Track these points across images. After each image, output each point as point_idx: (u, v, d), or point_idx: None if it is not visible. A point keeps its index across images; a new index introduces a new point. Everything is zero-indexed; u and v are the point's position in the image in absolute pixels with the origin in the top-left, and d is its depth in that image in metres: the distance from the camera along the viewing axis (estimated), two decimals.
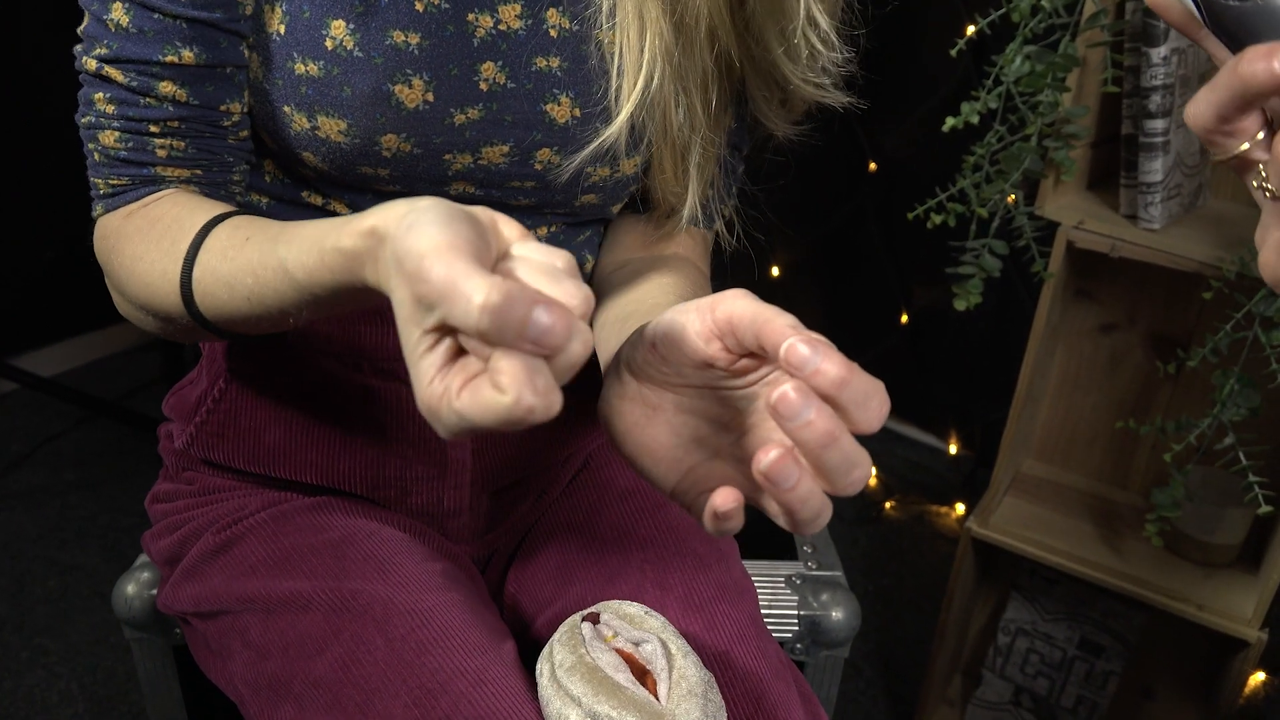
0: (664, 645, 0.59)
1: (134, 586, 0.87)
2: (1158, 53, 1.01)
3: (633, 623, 0.62)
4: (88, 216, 0.64)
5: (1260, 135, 0.39)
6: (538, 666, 0.60)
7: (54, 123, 1.46)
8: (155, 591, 0.86)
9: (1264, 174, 0.39)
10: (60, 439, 1.99)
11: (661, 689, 0.57)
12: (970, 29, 1.70)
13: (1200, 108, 0.39)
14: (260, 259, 0.52)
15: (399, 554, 0.68)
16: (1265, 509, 1.01)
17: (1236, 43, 0.38)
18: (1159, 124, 1.04)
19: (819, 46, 0.64)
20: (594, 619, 0.62)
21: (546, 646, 0.60)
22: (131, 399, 2.07)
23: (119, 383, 2.12)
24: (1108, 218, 1.11)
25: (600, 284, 0.75)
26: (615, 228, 0.79)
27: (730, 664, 0.65)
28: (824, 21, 0.64)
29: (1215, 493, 1.20)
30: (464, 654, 0.61)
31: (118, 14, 0.57)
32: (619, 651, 0.59)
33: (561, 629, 0.60)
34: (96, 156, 0.61)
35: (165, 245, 0.58)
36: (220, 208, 0.60)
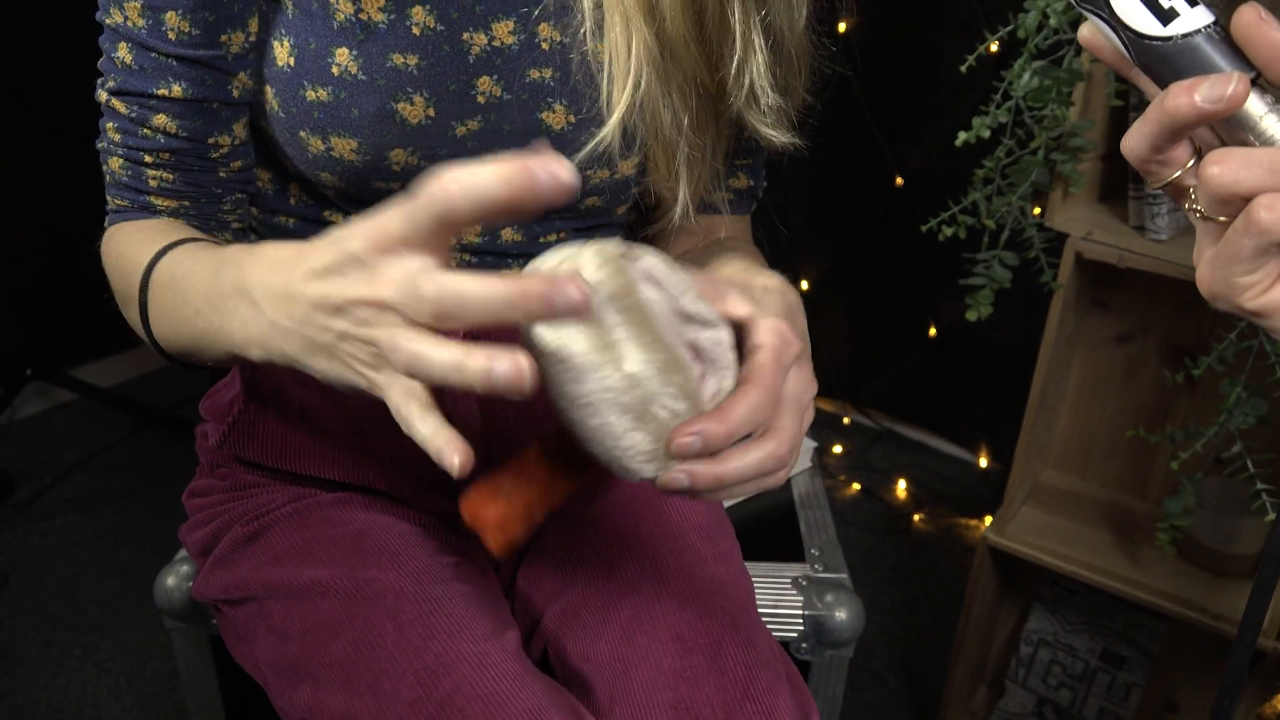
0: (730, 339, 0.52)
1: (174, 579, 0.93)
2: None
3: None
4: None
5: (1190, 163, 0.42)
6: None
7: None
8: (193, 584, 0.92)
9: (1194, 197, 0.42)
10: (115, 447, 2.08)
11: (709, 386, 0.52)
12: (994, 46, 1.72)
13: (1134, 140, 0.42)
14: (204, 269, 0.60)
15: (412, 547, 0.73)
16: (1271, 516, 1.01)
17: (1162, 79, 0.41)
18: None
19: (758, 84, 0.68)
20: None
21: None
22: (182, 409, 2.16)
23: (172, 393, 2.21)
24: (1116, 229, 1.13)
25: None
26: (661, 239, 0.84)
27: (721, 652, 0.68)
28: (761, 58, 0.67)
29: (1231, 502, 1.20)
30: (468, 640, 0.65)
31: (123, 52, 0.65)
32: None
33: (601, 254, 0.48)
34: (108, 178, 0.70)
35: (146, 247, 0.66)
36: (186, 234, 0.66)
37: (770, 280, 0.65)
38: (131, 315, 0.68)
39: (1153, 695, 1.40)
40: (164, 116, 0.66)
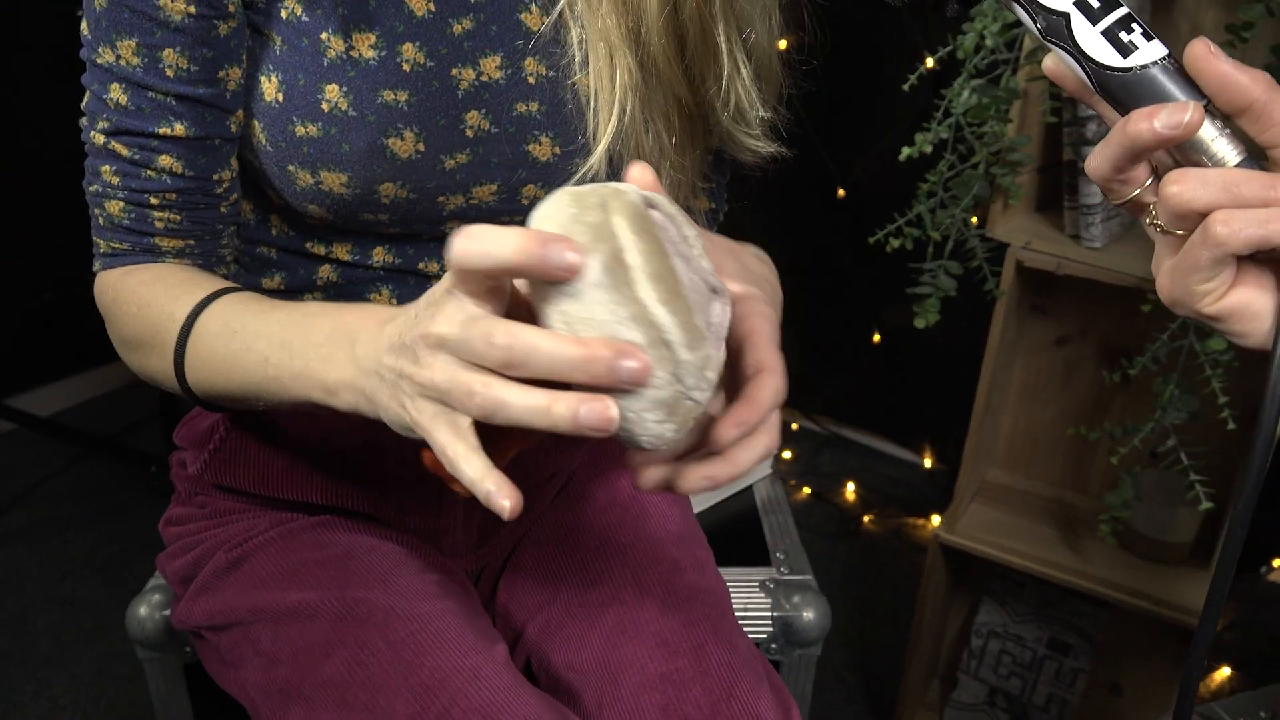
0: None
1: (146, 608, 0.92)
2: None
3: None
4: (84, 259, 0.71)
5: (1149, 182, 0.46)
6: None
7: (52, 165, 1.52)
8: (167, 612, 0.91)
9: (1154, 213, 0.46)
10: (58, 476, 2.04)
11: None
12: (929, 62, 1.79)
13: (1097, 161, 0.46)
14: (247, 345, 0.61)
15: (398, 566, 0.74)
16: (1206, 505, 1.08)
17: (1123, 106, 0.46)
18: None
19: (744, 99, 0.71)
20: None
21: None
22: (128, 435, 2.12)
23: (115, 420, 2.17)
24: (1053, 238, 1.19)
25: None
26: None
27: (705, 655, 0.71)
28: (746, 73, 0.70)
29: (1166, 493, 1.27)
30: (459, 654, 0.67)
31: (116, 94, 0.64)
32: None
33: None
34: (101, 221, 0.69)
35: (176, 294, 0.66)
36: (217, 283, 0.67)
37: (757, 252, 0.68)
38: (149, 363, 0.68)
39: (1098, 680, 1.46)
40: (169, 157, 0.66)
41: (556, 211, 0.46)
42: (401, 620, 0.69)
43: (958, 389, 2.04)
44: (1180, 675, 1.31)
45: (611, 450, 0.89)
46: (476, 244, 0.43)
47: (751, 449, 0.50)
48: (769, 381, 0.51)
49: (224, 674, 0.78)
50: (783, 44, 0.75)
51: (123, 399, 2.27)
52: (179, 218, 0.68)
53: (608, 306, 0.43)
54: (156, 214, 0.67)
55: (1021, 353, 1.40)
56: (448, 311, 0.46)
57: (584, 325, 0.44)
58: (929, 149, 1.17)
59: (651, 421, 0.45)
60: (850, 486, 2.10)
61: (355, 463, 0.78)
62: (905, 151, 1.18)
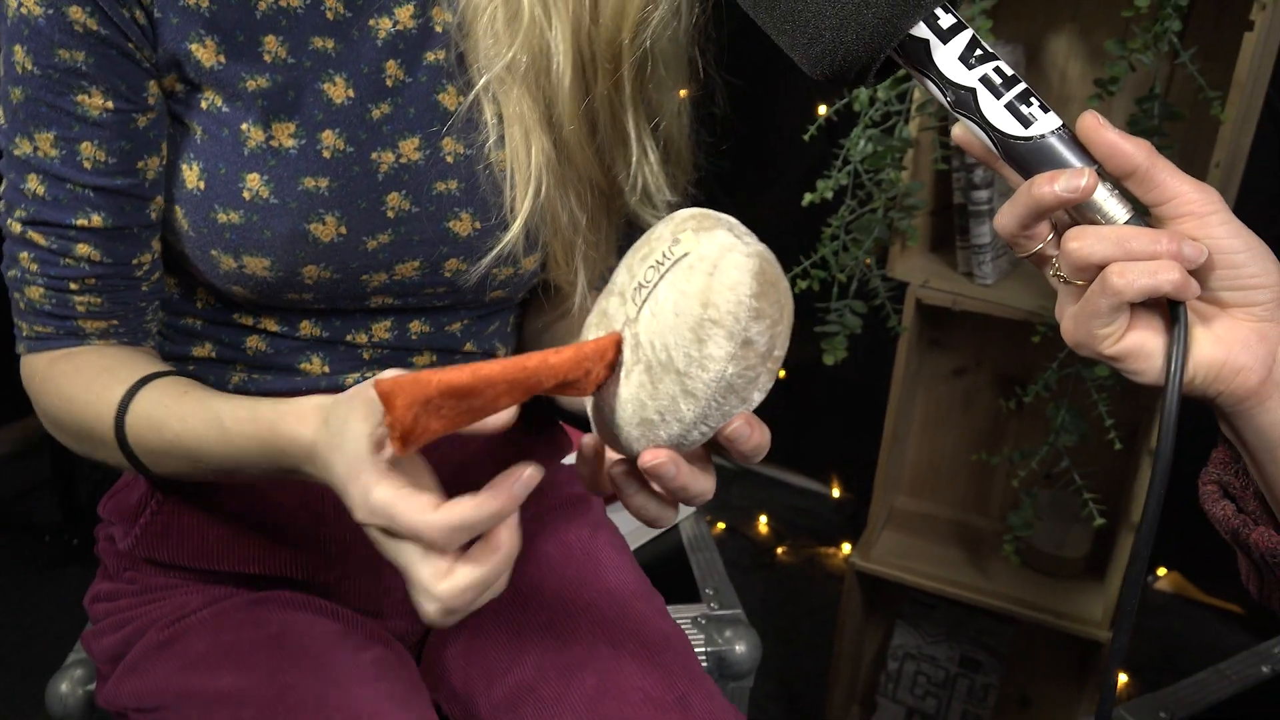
0: None
1: (67, 684, 0.89)
2: None
3: None
4: None
5: (1050, 237, 0.51)
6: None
7: None
8: (90, 687, 0.88)
9: (1056, 265, 0.51)
10: None
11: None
12: (821, 111, 1.87)
13: (1005, 220, 0.51)
14: (195, 408, 0.63)
15: (334, 647, 0.73)
16: (1099, 521, 1.16)
17: (1025, 170, 0.51)
18: (983, 194, 1.20)
19: (650, 183, 0.75)
20: None
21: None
22: (21, 503, 2.02)
23: (4, 488, 2.07)
24: (948, 276, 1.27)
25: (531, 341, 0.85)
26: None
27: (689, 707, 0.72)
28: (654, 158, 0.74)
29: (1060, 511, 1.35)
30: None
31: (33, 184, 0.64)
32: None
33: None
34: (22, 305, 0.68)
35: (97, 390, 0.67)
36: (152, 364, 0.69)
37: None
38: (98, 454, 0.69)
39: (1007, 694, 1.53)
40: (86, 245, 0.66)
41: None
42: (334, 709, 0.67)
43: (860, 420, 2.13)
44: (1082, 682, 1.39)
45: (556, 502, 0.89)
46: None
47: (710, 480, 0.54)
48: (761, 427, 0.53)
49: None
50: (683, 91, 0.78)
51: (12, 466, 2.16)
52: (100, 301, 0.68)
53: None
54: (77, 298, 0.67)
55: (922, 385, 1.48)
56: (355, 499, 0.51)
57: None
58: (830, 195, 1.23)
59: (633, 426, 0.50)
60: (762, 519, 2.15)
61: (295, 529, 0.77)
62: (808, 197, 1.24)
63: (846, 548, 2.07)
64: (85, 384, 0.67)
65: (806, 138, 1.25)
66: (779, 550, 2.08)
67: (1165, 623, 1.86)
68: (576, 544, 0.85)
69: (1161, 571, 1.89)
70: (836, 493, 2.19)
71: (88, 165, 0.64)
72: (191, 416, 0.63)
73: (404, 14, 0.70)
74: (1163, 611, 1.89)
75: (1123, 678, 1.74)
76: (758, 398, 0.50)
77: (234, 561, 0.77)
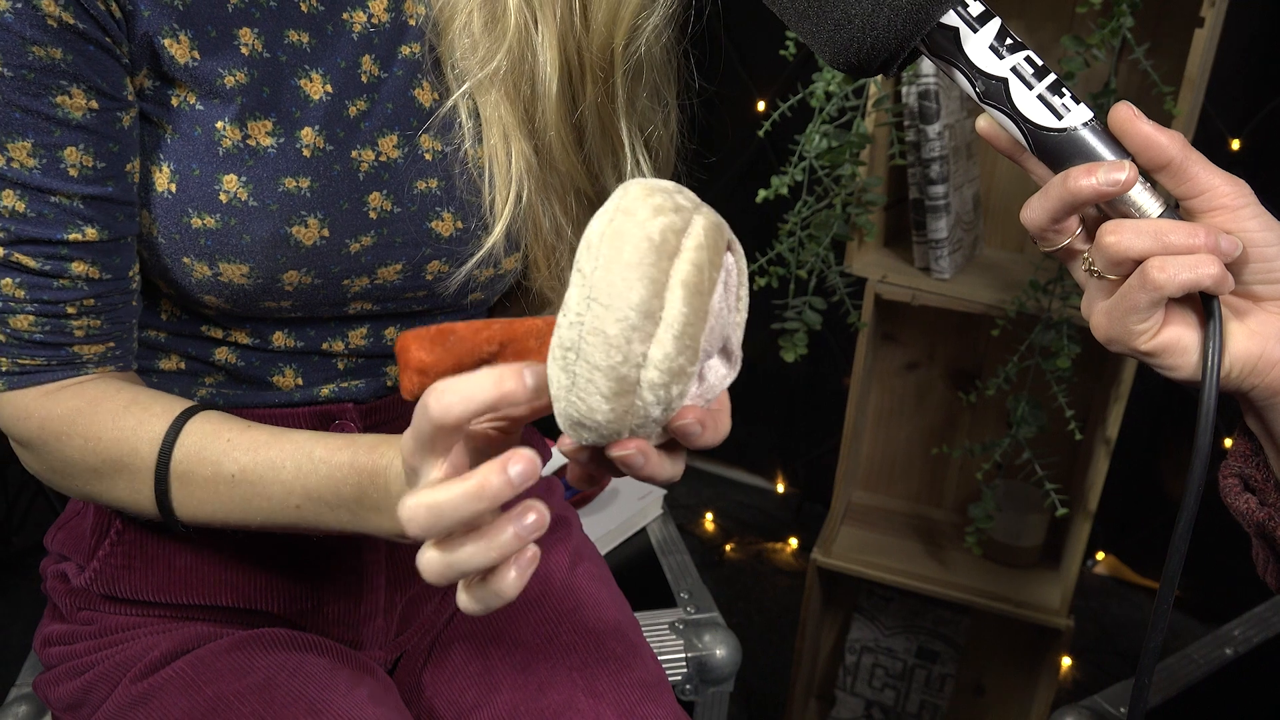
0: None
1: None
2: (933, 129, 1.18)
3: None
4: None
5: (1079, 231, 0.50)
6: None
7: None
8: None
9: (1089, 259, 0.50)
10: None
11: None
12: (760, 107, 1.86)
13: (1034, 213, 0.50)
14: (268, 438, 0.60)
15: (325, 689, 0.68)
16: (1063, 511, 1.17)
17: (1057, 164, 0.50)
18: (940, 189, 1.21)
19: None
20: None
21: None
22: None
23: None
24: (906, 270, 1.27)
25: None
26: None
27: None
28: (647, 167, 0.72)
29: (1017, 502, 1.37)
30: None
31: (10, 200, 0.58)
32: None
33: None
34: (2, 338, 0.61)
35: (130, 425, 0.61)
36: (174, 397, 0.64)
37: None
38: (110, 492, 0.63)
39: (963, 683, 1.55)
40: (82, 263, 0.60)
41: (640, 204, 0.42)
42: None
43: (803, 415, 2.14)
44: (1036, 668, 1.41)
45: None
46: (453, 396, 0.44)
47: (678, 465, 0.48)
48: (724, 418, 0.50)
49: None
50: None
51: None
52: (100, 322, 0.63)
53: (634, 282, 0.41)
54: (75, 322, 0.62)
55: (876, 379, 1.48)
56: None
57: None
58: (785, 191, 1.22)
59: (597, 391, 0.42)
60: (709, 516, 2.14)
61: (268, 552, 0.73)
62: (762, 194, 1.23)
63: (794, 542, 2.08)
64: (111, 419, 0.61)
65: (761, 133, 1.24)
66: (727, 547, 2.07)
67: (1103, 605, 1.92)
68: (556, 576, 0.80)
69: (1100, 556, 1.94)
70: (781, 488, 2.19)
71: (74, 173, 0.58)
72: (266, 447, 0.59)
73: (378, 7, 0.67)
74: (1100, 593, 1.94)
75: (1065, 660, 1.78)
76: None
77: (203, 592, 0.72)
